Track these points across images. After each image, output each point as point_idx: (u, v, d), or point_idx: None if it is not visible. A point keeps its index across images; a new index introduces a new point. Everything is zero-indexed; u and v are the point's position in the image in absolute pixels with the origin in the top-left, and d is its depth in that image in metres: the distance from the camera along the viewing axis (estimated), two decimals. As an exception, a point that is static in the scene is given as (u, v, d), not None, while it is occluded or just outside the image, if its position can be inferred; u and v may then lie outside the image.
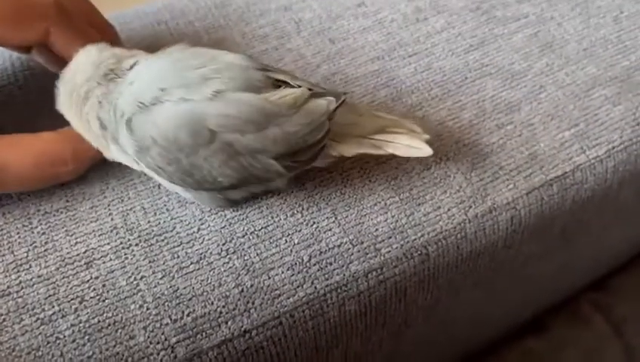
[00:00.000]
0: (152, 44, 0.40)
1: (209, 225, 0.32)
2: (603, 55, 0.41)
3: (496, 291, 0.42)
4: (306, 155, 0.30)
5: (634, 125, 0.38)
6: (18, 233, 0.31)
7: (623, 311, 0.54)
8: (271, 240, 0.32)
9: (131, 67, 0.29)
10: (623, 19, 0.43)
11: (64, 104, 0.30)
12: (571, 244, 0.42)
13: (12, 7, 0.29)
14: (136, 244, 0.31)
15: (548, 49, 0.41)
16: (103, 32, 0.34)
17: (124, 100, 0.28)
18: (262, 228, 0.32)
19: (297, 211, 0.33)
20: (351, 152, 0.32)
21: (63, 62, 0.31)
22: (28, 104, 0.36)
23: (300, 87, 0.29)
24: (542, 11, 0.43)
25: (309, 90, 0.30)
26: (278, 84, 0.30)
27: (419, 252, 0.33)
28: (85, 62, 0.29)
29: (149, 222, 0.32)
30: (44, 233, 0.31)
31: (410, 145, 0.32)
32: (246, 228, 0.32)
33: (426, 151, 0.31)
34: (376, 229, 0.33)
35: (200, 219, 0.32)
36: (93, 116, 0.29)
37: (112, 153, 0.30)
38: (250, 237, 0.32)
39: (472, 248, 0.34)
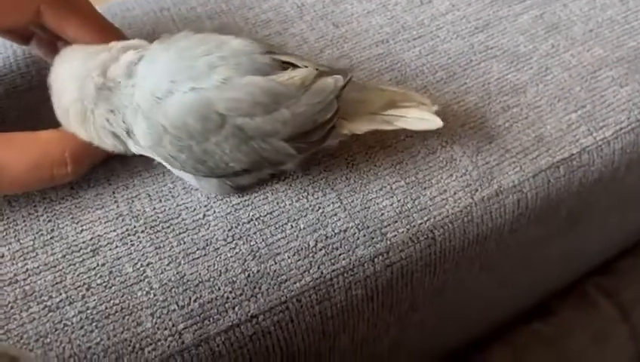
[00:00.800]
0: (154, 31, 0.40)
1: (215, 211, 0.32)
2: (609, 36, 0.40)
3: (503, 275, 0.42)
4: (316, 135, 0.30)
5: (641, 106, 0.37)
6: (24, 221, 0.31)
7: (630, 295, 0.54)
8: (277, 226, 0.32)
9: (131, 64, 0.29)
10: (629, 0, 0.43)
11: (63, 121, 0.30)
12: (577, 227, 0.42)
13: None
14: (142, 231, 0.31)
15: (554, 30, 0.41)
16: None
17: (140, 96, 0.28)
18: (267, 213, 0.32)
19: (303, 196, 0.33)
20: (362, 129, 0.31)
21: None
22: (31, 91, 0.36)
23: (306, 67, 0.29)
24: (547, -8, 0.43)
25: (316, 69, 0.29)
26: (285, 65, 0.30)
27: (425, 236, 0.33)
28: (68, 78, 0.29)
29: (154, 208, 0.32)
30: (49, 220, 0.31)
31: (421, 118, 0.31)
32: (252, 214, 0.32)
33: (436, 122, 0.31)
34: (382, 214, 0.33)
35: (205, 206, 0.32)
36: (105, 132, 0.29)
37: (130, 148, 0.30)
38: (256, 223, 0.32)
39: (478, 231, 0.34)
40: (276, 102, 0.28)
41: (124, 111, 0.29)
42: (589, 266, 0.54)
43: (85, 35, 0.31)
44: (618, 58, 0.39)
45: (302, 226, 0.32)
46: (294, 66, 0.29)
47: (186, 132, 0.28)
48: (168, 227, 0.31)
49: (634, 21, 0.41)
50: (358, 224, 0.32)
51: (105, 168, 0.33)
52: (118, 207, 0.32)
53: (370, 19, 0.41)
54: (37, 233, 0.31)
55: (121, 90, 0.29)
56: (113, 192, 0.33)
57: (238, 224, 0.32)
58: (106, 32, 0.32)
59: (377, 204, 0.33)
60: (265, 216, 0.32)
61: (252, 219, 0.32)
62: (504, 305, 0.50)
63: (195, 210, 0.32)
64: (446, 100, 0.37)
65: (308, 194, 0.33)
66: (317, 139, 0.30)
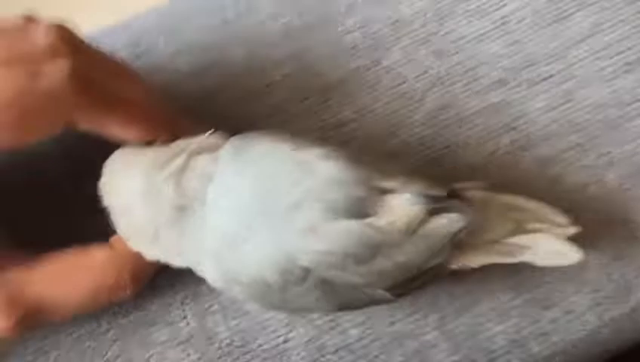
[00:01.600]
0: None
1: (296, 335, 0.28)
2: None
3: None
4: (420, 281, 0.25)
5: None
6: (90, 338, 0.28)
7: None
8: (367, 359, 0.28)
9: (204, 178, 0.24)
10: None
11: (129, 241, 0.25)
12: None
13: (15, 101, 0.22)
14: (218, 359, 0.28)
15: None
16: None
17: (210, 235, 0.23)
18: (357, 340, 0.28)
19: (399, 319, 0.28)
20: (476, 263, 0.25)
21: None
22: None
23: (413, 195, 0.23)
24: None
25: (427, 198, 0.23)
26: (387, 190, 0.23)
27: (542, 366, 0.28)
28: (134, 194, 0.24)
29: (229, 328, 0.28)
30: (116, 339, 0.28)
31: (553, 251, 0.25)
32: (338, 341, 0.28)
33: (572, 257, 0.25)
34: (493, 342, 0.28)
35: (286, 325, 0.28)
36: (175, 257, 0.25)
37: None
38: (343, 354, 0.28)
39: (603, 352, 0.29)
40: (373, 252, 0.23)
41: (194, 244, 0.24)
42: None
43: (132, 134, 0.25)
44: None
45: (397, 359, 0.27)
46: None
47: (262, 284, 0.23)
48: (245, 354, 0.28)
49: None
50: (463, 358, 0.27)
51: (169, 270, 0.29)
52: (188, 324, 0.28)
53: (484, 45, 0.32)
54: (104, 357, 0.28)
55: (193, 217, 0.24)
56: (182, 302, 0.29)
57: (323, 354, 0.28)
58: (159, 124, 0.26)
59: (487, 329, 0.28)
60: (354, 343, 0.28)
61: (339, 349, 0.28)
62: None
63: (274, 331, 0.28)
64: (579, 180, 0.29)
65: (405, 315, 0.28)
66: (420, 284, 0.25)
